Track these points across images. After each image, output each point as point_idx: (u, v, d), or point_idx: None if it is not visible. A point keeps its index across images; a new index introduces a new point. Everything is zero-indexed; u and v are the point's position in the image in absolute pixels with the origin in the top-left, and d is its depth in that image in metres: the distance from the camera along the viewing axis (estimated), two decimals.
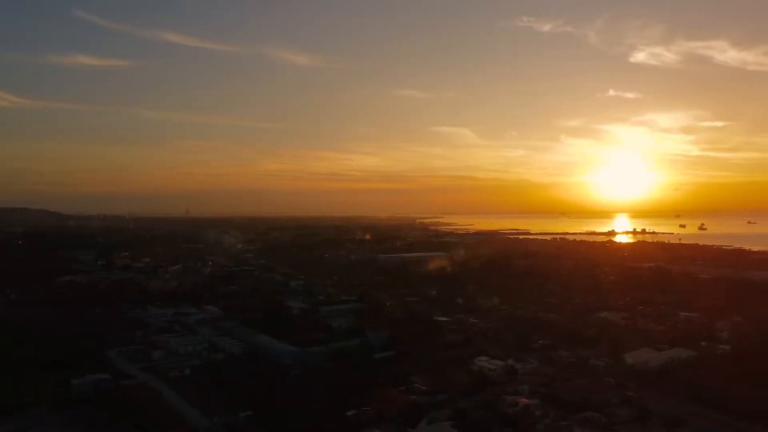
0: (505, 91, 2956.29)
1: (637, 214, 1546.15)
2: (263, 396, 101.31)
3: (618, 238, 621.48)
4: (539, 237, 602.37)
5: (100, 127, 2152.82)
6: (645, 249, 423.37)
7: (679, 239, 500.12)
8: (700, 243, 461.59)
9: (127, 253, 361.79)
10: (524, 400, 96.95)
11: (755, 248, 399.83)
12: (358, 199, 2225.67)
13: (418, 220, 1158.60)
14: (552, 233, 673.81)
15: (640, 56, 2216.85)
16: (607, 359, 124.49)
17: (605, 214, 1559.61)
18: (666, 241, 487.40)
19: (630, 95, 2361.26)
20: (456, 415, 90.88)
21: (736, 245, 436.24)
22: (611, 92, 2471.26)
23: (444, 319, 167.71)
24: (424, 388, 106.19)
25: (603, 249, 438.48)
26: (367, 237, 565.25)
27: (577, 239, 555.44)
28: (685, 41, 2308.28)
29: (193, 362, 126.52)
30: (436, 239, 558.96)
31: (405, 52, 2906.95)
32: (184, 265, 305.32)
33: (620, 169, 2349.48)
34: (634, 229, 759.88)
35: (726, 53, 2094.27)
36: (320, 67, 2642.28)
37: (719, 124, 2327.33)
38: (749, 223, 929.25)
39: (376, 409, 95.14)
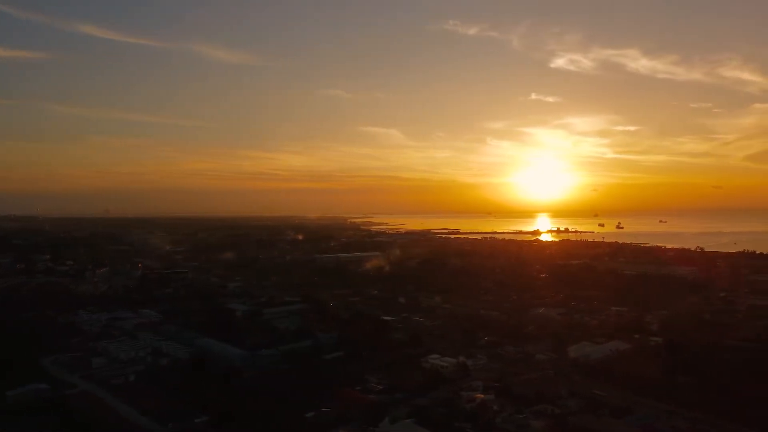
0: (433, 93, 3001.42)
1: (557, 213, 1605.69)
2: (218, 400, 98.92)
3: (544, 237, 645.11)
4: (470, 236, 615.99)
5: (10, 122, 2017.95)
6: (570, 247, 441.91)
7: (603, 237, 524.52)
8: (620, 241, 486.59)
9: (48, 256, 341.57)
10: (480, 396, 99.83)
11: (669, 245, 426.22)
12: (286, 199, 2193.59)
13: (349, 220, 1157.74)
14: (481, 232, 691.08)
15: (559, 62, 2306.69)
16: (551, 354, 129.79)
17: (528, 213, 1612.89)
18: (591, 240, 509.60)
19: (550, 99, 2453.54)
20: (417, 413, 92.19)
21: (652, 243, 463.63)
22: (533, 96, 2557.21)
23: (390, 318, 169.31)
24: (380, 387, 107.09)
25: (531, 247, 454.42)
26: (300, 237, 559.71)
27: (506, 238, 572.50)
28: (600, 49, 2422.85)
29: (136, 368, 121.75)
30: (370, 239, 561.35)
31: (333, 51, 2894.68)
32: (113, 268, 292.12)
33: (541, 171, 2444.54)
34: (558, 228, 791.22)
35: (638, 61, 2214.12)
36: (246, 65, 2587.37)
37: (631, 128, 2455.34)
38: (660, 222, 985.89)
39: (335, 410, 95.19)
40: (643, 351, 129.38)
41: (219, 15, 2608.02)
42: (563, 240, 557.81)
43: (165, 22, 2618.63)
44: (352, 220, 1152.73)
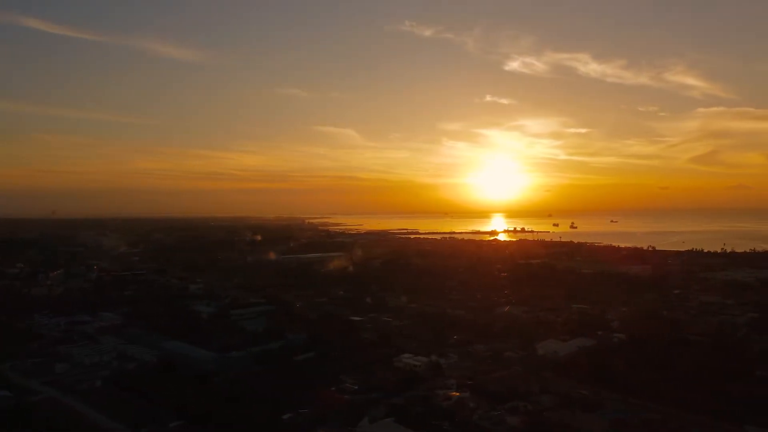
0: (389, 94, 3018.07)
1: (512, 213, 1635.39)
2: (191, 404, 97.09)
3: (501, 237, 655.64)
4: (429, 236, 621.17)
5: None
6: (528, 247, 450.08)
7: (560, 237, 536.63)
8: (575, 241, 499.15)
9: None
10: (456, 394, 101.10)
11: (623, 245, 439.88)
12: (241, 199, 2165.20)
13: (307, 221, 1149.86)
14: (440, 233, 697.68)
15: (513, 65, 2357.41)
16: (520, 351, 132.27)
17: (484, 213, 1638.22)
18: (550, 240, 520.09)
19: (505, 101, 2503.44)
20: (394, 412, 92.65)
21: (606, 242, 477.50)
22: (488, 98, 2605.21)
23: (358, 318, 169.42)
24: (355, 387, 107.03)
25: (491, 247, 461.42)
26: (258, 238, 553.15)
27: (465, 238, 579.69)
28: (553, 52, 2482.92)
29: (102, 373, 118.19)
30: (330, 240, 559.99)
31: (289, 50, 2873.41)
32: (67, 270, 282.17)
33: (496, 171, 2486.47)
34: (515, 228, 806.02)
35: (588, 65, 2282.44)
36: (200, 62, 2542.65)
37: (582, 130, 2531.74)
38: (612, 222, 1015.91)
39: (312, 411, 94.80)
40: (608, 347, 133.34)
41: (169, 10, 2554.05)
42: (520, 240, 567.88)
43: (114, 16, 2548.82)
44: (310, 221, 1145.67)
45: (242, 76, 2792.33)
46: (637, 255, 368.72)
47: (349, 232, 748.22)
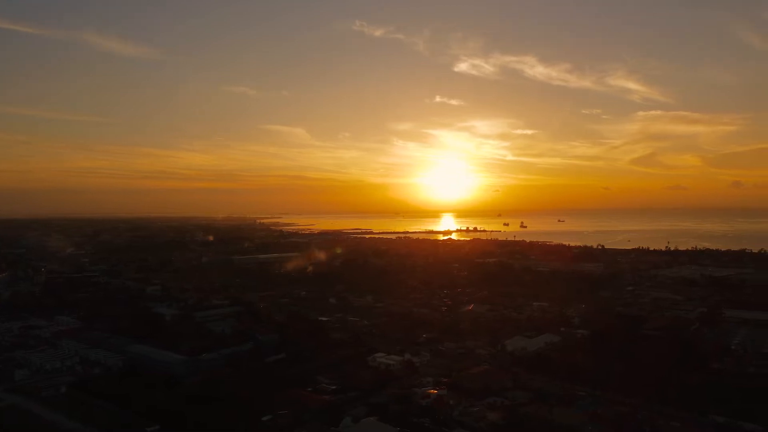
0: (339, 93, 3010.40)
1: (462, 213, 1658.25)
2: (165, 408, 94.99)
3: (455, 236, 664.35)
4: (384, 236, 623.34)
5: None
6: (482, 246, 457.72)
7: (514, 236, 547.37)
8: (527, 240, 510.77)
9: None
10: (434, 391, 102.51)
11: (573, 243, 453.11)
12: (189, 199, 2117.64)
13: (258, 221, 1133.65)
14: (395, 232, 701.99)
15: (462, 66, 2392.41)
16: (490, 348, 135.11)
17: (435, 213, 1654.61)
18: (504, 239, 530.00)
19: (454, 102, 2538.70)
20: (374, 411, 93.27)
21: (556, 241, 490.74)
22: (438, 99, 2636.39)
23: (326, 319, 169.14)
24: (333, 387, 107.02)
25: (446, 247, 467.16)
26: (210, 238, 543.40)
27: (420, 238, 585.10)
28: (501, 55, 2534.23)
29: (66, 379, 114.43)
30: (285, 240, 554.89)
31: (237, 47, 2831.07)
32: (12, 273, 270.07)
33: (446, 171, 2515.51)
34: (467, 228, 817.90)
35: (534, 68, 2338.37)
36: (146, 59, 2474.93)
37: (529, 132, 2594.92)
38: (559, 221, 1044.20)
39: (291, 412, 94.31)
40: (573, 343, 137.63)
41: (112, 3, 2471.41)
42: (474, 239, 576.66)
43: (53, 8, 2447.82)
44: (262, 221, 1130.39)
45: (189, 73, 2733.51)
46: (587, 253, 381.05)
47: (303, 232, 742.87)
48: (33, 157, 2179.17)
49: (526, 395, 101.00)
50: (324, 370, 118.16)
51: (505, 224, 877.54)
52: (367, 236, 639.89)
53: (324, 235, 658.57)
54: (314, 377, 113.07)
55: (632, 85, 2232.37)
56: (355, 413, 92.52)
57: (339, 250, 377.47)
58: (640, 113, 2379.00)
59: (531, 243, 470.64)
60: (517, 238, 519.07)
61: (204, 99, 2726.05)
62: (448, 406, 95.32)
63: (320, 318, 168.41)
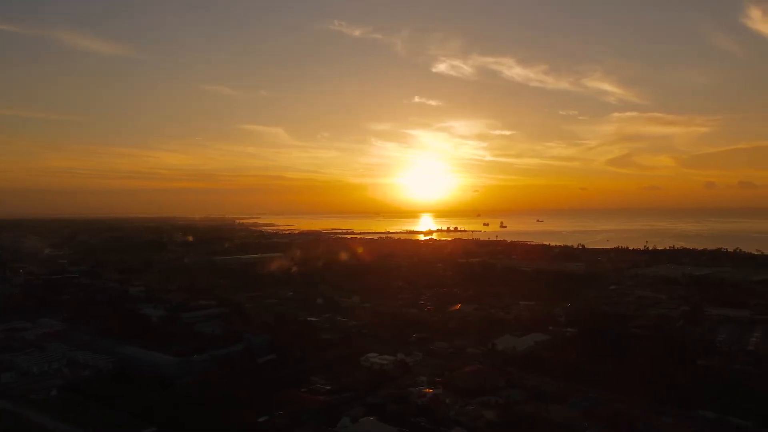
0: (317, 93, 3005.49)
1: (442, 213, 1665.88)
2: (160, 410, 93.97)
3: (437, 236, 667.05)
4: (365, 236, 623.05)
5: None
6: (464, 246, 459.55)
7: (496, 236, 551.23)
8: (508, 240, 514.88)
9: None
10: (430, 391, 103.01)
11: (553, 243, 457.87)
12: (166, 199, 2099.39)
13: (237, 221, 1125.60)
14: (376, 232, 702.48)
15: (441, 67, 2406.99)
16: (480, 347, 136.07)
17: (414, 213, 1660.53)
18: (486, 239, 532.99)
19: (433, 103, 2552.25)
20: (371, 411, 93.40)
21: (536, 241, 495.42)
22: (416, 99, 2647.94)
23: (315, 319, 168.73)
24: (327, 387, 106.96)
25: (428, 247, 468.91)
26: (190, 239, 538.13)
27: (402, 238, 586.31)
28: (479, 56, 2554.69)
29: (55, 382, 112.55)
30: (266, 240, 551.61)
31: (215, 46, 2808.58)
32: None
33: (426, 172, 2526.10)
34: (448, 228, 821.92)
35: (512, 69, 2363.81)
36: (122, 57, 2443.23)
37: (507, 132, 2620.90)
38: (538, 221, 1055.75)
39: (288, 413, 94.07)
40: (562, 341, 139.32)
41: (88, 2, 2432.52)
42: (456, 239, 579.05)
43: (25, 3, 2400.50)
44: (241, 221, 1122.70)
45: (166, 72, 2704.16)
46: (568, 253, 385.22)
47: (283, 232, 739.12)
48: (7, 157, 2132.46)
49: (520, 394, 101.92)
50: (317, 370, 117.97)
51: (485, 224, 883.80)
52: (348, 236, 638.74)
53: (304, 235, 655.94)
54: (308, 378, 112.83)
55: (608, 87, 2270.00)
56: (352, 413, 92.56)
57: (320, 251, 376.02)
58: (616, 114, 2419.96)
59: (512, 243, 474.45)
60: (498, 238, 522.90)
61: (181, 98, 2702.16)
62: (444, 406, 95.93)
63: (309, 318, 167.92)
